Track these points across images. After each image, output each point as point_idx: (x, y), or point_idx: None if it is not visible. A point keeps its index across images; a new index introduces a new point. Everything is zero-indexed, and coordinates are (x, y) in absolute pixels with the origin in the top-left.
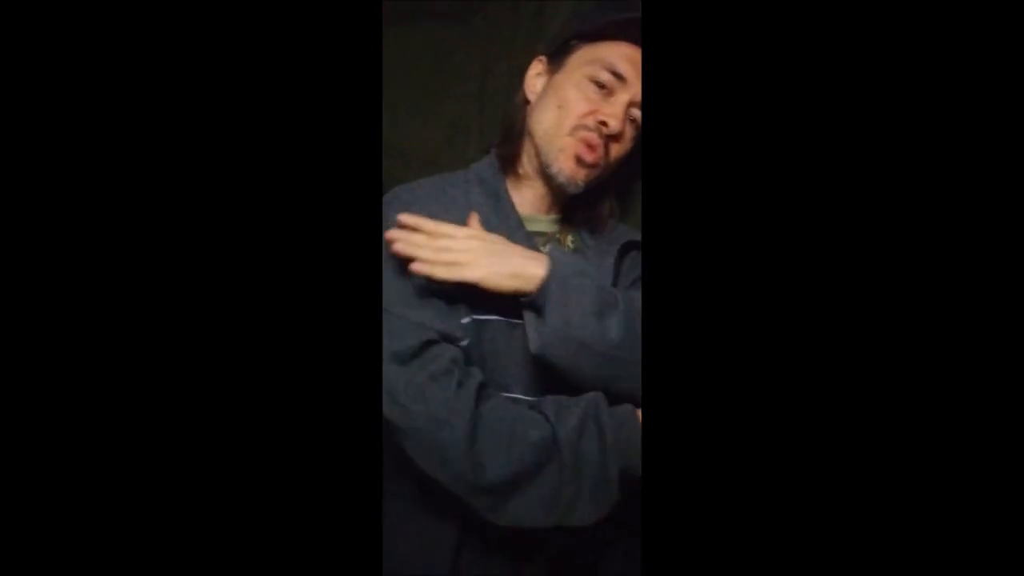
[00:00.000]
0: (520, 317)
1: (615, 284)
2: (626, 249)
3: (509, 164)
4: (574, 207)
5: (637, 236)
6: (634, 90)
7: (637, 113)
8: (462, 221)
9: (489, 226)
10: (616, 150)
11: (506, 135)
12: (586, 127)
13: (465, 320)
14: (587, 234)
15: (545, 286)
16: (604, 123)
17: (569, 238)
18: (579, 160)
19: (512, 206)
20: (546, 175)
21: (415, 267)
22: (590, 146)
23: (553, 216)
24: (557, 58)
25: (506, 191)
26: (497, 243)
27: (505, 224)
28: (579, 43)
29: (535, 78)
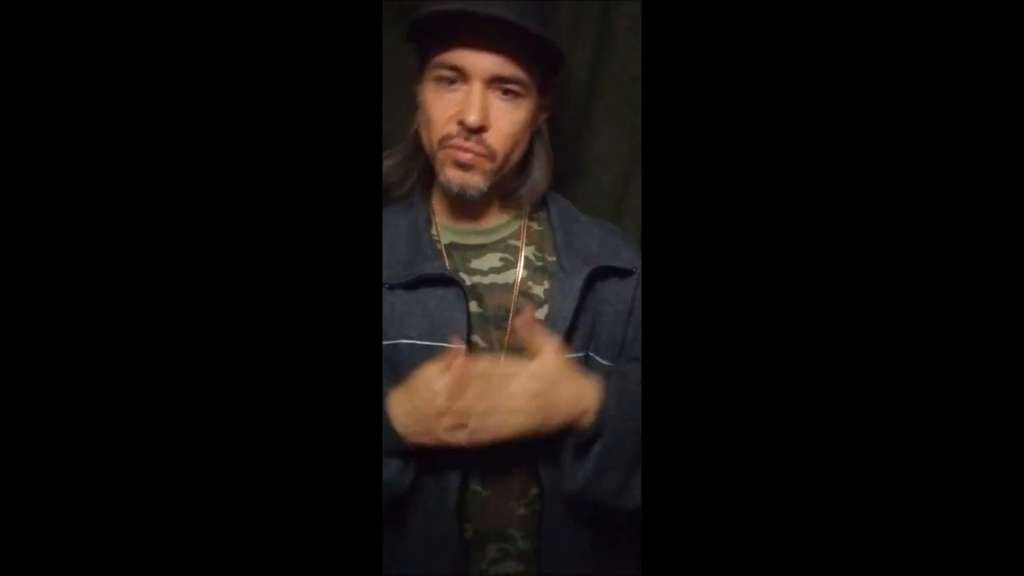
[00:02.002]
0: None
1: (578, 311)
2: (595, 276)
3: (425, 182)
4: (510, 196)
5: (616, 256)
6: (482, 72)
7: (504, 85)
8: (390, 259)
9: (404, 249)
10: (497, 135)
11: (408, 154)
12: (452, 134)
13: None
14: (559, 242)
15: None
16: (462, 122)
17: (531, 249)
18: (460, 165)
19: (427, 219)
20: (501, 187)
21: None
22: (461, 149)
23: (499, 222)
24: (420, 66)
25: (425, 207)
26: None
27: (417, 242)
28: (427, 48)
29: (416, 87)
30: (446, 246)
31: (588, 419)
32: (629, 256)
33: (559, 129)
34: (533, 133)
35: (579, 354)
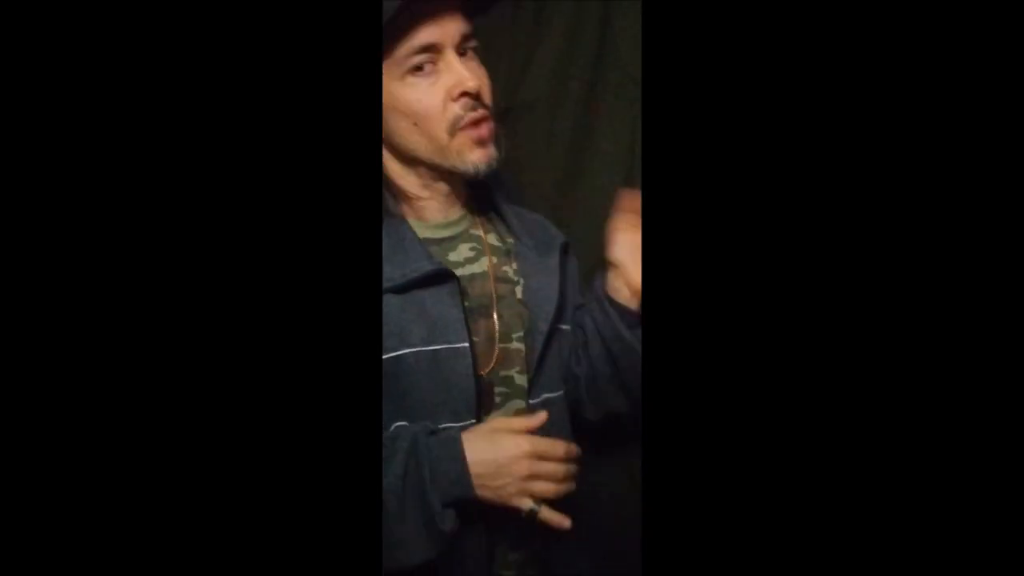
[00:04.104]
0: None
1: (563, 288)
2: (567, 249)
3: (402, 198)
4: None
5: (558, 235)
6: (450, 38)
7: (465, 45)
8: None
9: (393, 261)
10: (484, 92)
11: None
12: (459, 114)
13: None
14: (512, 224)
15: None
16: (466, 92)
17: (491, 236)
18: (481, 143)
19: (402, 219)
20: (454, 177)
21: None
22: (477, 126)
23: (458, 214)
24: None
25: (397, 210)
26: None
27: (400, 250)
28: (388, 54)
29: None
30: (422, 241)
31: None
32: (559, 235)
33: (559, 129)
34: None
35: (565, 326)
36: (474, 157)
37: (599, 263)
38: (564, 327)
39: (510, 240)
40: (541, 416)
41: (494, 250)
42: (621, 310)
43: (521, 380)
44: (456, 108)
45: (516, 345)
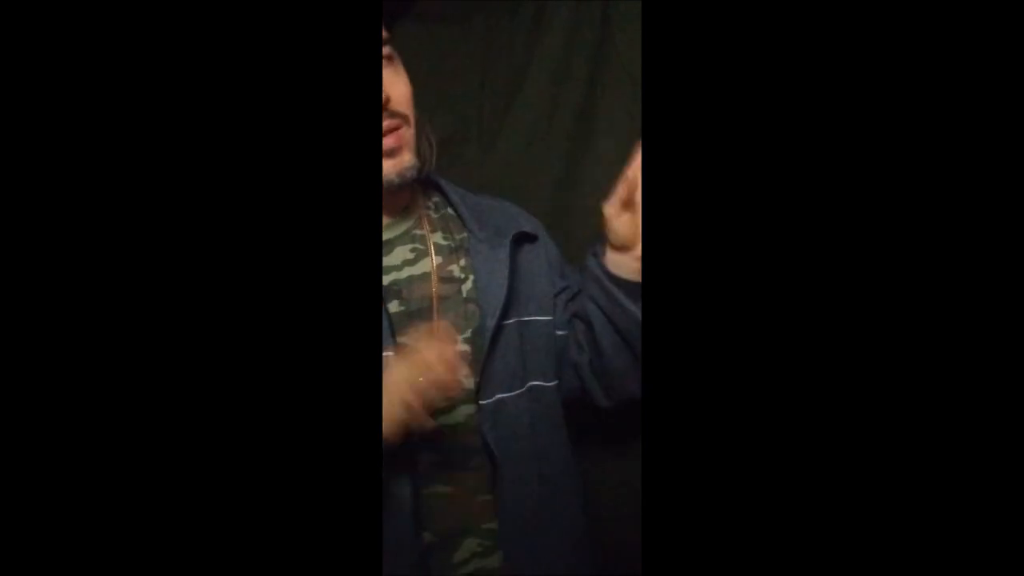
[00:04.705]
0: None
1: (513, 280)
2: (518, 240)
3: None
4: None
5: (521, 223)
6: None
7: (384, 51)
8: None
9: None
10: (399, 101)
11: None
12: None
13: None
14: (465, 217)
15: None
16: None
17: (437, 236)
18: (388, 153)
19: None
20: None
21: None
22: (384, 134)
23: (399, 216)
24: None
25: None
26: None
27: None
28: None
29: None
30: None
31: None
32: (529, 223)
33: (559, 129)
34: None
35: (511, 320)
36: (386, 169)
37: (591, 243)
38: (528, 319)
39: (461, 235)
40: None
41: (439, 249)
42: (626, 286)
43: (469, 383)
44: None
45: (462, 347)
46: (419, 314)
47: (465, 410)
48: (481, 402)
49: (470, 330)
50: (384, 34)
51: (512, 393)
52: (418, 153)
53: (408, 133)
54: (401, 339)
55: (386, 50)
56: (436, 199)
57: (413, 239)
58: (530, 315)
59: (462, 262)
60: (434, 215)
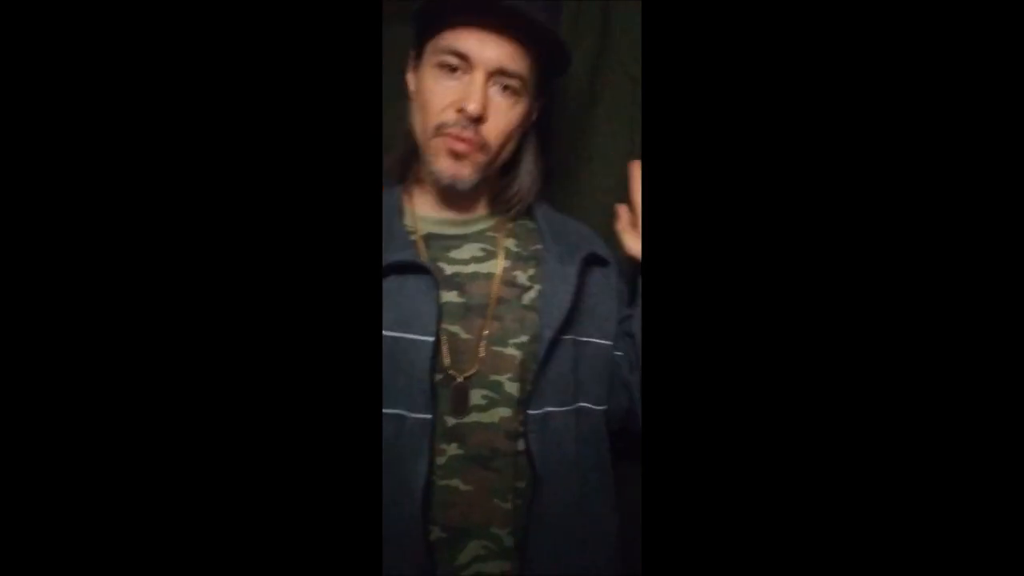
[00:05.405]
0: None
1: (577, 298)
2: (589, 262)
3: (407, 169)
4: (498, 195)
5: (595, 246)
6: (487, 63)
7: (505, 80)
8: None
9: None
10: (492, 129)
11: (393, 142)
12: (448, 123)
13: None
14: (543, 231)
15: None
16: (462, 110)
17: (510, 241)
18: (454, 155)
19: (400, 209)
20: (433, 178)
21: None
22: (459, 139)
23: (478, 214)
24: (417, 55)
25: (398, 197)
26: None
27: (388, 231)
28: (429, 34)
29: (409, 75)
30: (423, 236)
31: None
32: (603, 249)
33: (559, 129)
34: (523, 135)
35: (568, 336)
36: (442, 164)
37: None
38: (586, 339)
39: (535, 247)
40: None
41: (509, 254)
42: None
43: (512, 388)
44: (449, 115)
45: (511, 351)
46: (476, 310)
47: (501, 412)
48: (529, 411)
49: (526, 337)
50: (514, 66)
51: (561, 408)
52: (475, 170)
53: (481, 157)
54: (448, 327)
55: (514, 83)
56: (516, 211)
57: (486, 239)
58: (588, 336)
59: (530, 271)
60: (512, 224)
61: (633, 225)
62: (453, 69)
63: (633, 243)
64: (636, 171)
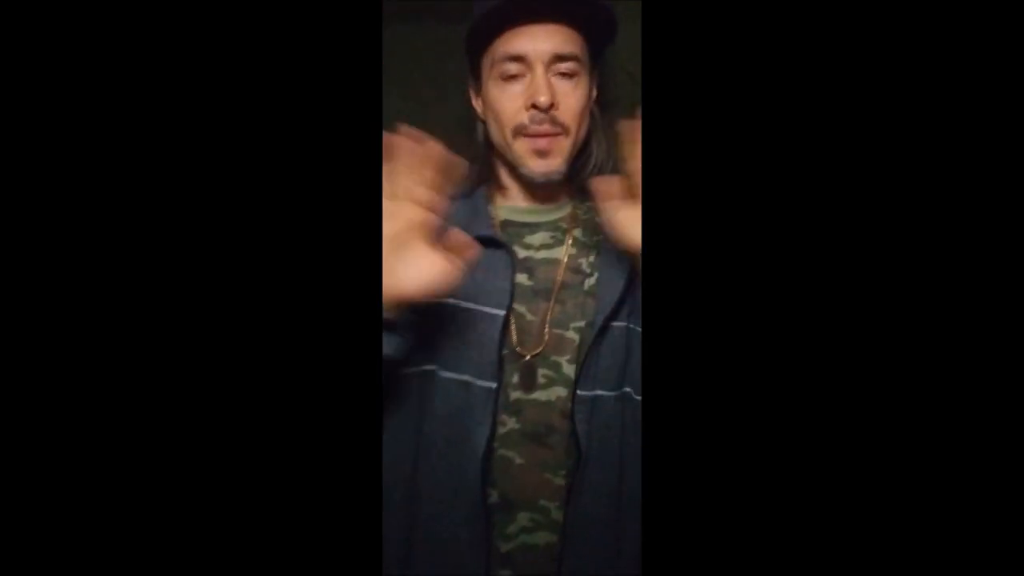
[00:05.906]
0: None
1: (629, 287)
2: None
3: (485, 180)
4: (575, 176)
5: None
6: (542, 54)
7: (563, 65)
8: None
9: (463, 223)
10: (566, 112)
11: (474, 158)
12: (525, 122)
13: None
14: (597, 224)
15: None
16: (535, 105)
17: (578, 231)
18: (540, 153)
19: (486, 198)
20: (525, 180)
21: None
22: (540, 136)
23: (553, 204)
24: (476, 77)
25: (483, 197)
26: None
27: (475, 218)
28: (480, 51)
29: (475, 100)
30: (501, 223)
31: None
32: None
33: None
34: (589, 113)
35: (620, 323)
36: (532, 164)
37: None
38: (638, 328)
39: (598, 237)
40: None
41: (576, 242)
42: None
43: (569, 370)
44: (523, 116)
45: (571, 334)
46: (542, 293)
47: (557, 391)
48: (579, 392)
49: (584, 322)
50: (567, 48)
51: (610, 393)
52: (573, 160)
53: (565, 142)
54: (517, 306)
55: (571, 66)
56: (590, 202)
57: (556, 228)
58: (640, 326)
59: (592, 259)
60: (583, 215)
61: (633, 196)
62: (512, 76)
63: (632, 224)
64: (635, 134)
